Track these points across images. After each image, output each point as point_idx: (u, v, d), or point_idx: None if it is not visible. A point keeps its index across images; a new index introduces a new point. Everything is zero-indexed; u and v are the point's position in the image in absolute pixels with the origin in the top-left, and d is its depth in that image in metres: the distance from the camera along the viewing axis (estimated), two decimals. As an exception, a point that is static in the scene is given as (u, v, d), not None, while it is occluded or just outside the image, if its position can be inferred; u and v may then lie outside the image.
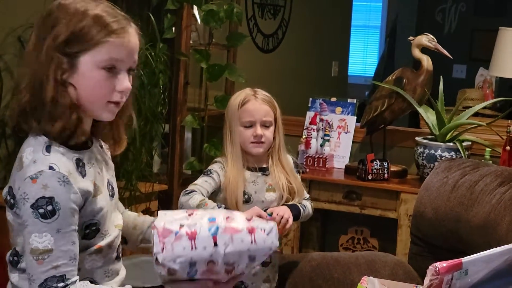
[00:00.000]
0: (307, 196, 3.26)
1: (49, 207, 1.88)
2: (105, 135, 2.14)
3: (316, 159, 4.57)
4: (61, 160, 1.93)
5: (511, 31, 5.24)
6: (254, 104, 3.13)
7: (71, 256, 1.93)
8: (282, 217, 3.01)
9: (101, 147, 2.16)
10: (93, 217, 2.01)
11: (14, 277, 2.08)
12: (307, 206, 3.20)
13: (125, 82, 1.96)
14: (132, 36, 2.00)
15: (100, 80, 1.95)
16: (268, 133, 3.13)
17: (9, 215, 1.99)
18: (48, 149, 1.93)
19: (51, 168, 1.89)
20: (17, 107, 1.97)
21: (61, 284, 1.91)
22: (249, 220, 2.04)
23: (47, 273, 1.90)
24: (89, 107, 1.98)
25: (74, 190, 1.92)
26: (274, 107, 3.16)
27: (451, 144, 4.21)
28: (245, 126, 3.11)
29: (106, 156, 2.16)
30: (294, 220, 3.08)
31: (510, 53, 5.16)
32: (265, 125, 3.12)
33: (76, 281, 1.94)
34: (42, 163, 1.90)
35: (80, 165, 1.98)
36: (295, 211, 3.10)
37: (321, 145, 4.60)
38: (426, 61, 4.36)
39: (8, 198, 1.95)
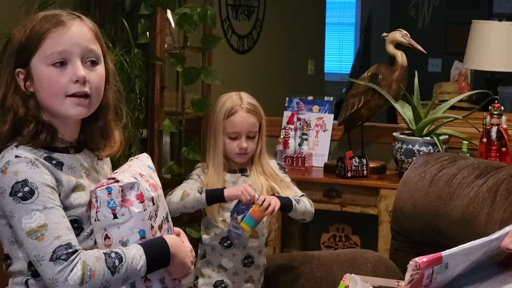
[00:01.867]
0: (301, 193, 3.25)
1: (26, 188, 1.91)
2: (96, 140, 2.13)
3: (295, 159, 4.57)
4: (27, 152, 1.95)
5: (484, 23, 5.28)
6: (241, 116, 3.15)
7: (68, 227, 1.94)
8: (265, 200, 3.00)
9: (98, 158, 2.16)
10: (73, 212, 2.01)
11: (10, 282, 2.09)
12: (304, 201, 3.19)
13: (77, 71, 1.96)
14: (75, 27, 2.01)
15: (52, 77, 1.97)
16: (252, 144, 3.16)
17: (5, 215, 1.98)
18: (16, 146, 1.96)
19: (17, 156, 1.93)
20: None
21: (70, 250, 1.90)
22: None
23: (52, 245, 1.90)
24: (52, 107, 2.00)
25: (45, 172, 1.94)
26: (260, 116, 3.20)
27: (428, 138, 4.22)
28: (230, 137, 3.13)
29: (97, 165, 2.15)
30: (284, 211, 3.14)
31: (483, 46, 5.19)
32: (249, 136, 3.14)
33: (81, 249, 1.94)
34: (9, 155, 1.94)
35: (53, 162, 1.99)
36: (286, 201, 3.10)
37: (299, 145, 4.59)
38: (401, 57, 4.38)
39: None
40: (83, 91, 1.98)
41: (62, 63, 1.97)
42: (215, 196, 3.07)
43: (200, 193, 3.05)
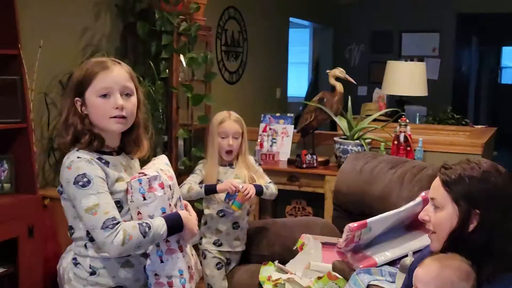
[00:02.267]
0: (269, 181, 3.24)
1: (85, 179, 1.94)
2: (131, 146, 2.14)
3: (267, 155, 4.62)
4: (85, 154, 1.99)
5: (395, 63, 5.33)
6: (229, 123, 3.16)
7: (113, 206, 1.98)
8: (247, 190, 3.02)
9: (132, 159, 2.17)
10: (116, 196, 2.02)
11: (72, 246, 2.12)
12: (271, 187, 3.20)
13: (117, 100, 1.99)
14: (116, 70, 2.03)
15: (100, 105, 2.00)
16: (236, 143, 3.15)
17: (62, 201, 2.05)
18: (77, 150, 2.01)
19: (78, 157, 1.97)
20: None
21: (115, 221, 1.94)
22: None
23: (103, 218, 1.93)
24: (101, 125, 2.03)
25: (98, 168, 1.98)
26: (242, 125, 3.19)
27: (357, 141, 4.23)
28: (221, 136, 3.13)
29: (131, 164, 2.16)
30: (258, 195, 3.12)
31: (394, 78, 5.25)
32: (234, 137, 3.13)
33: (122, 220, 1.98)
34: (72, 156, 1.99)
35: (102, 161, 2.02)
36: (259, 188, 3.11)
37: (271, 146, 4.64)
38: (339, 86, 4.41)
39: (60, 189, 2.04)
40: (121, 115, 2.00)
41: (106, 95, 1.99)
42: (211, 190, 3.10)
43: (201, 188, 3.08)
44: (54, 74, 4.10)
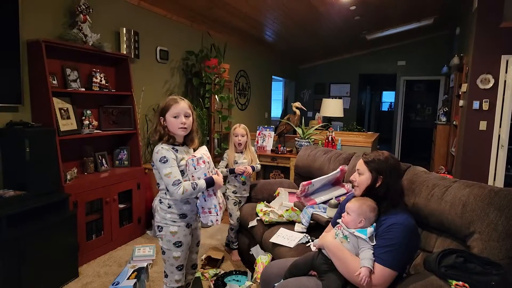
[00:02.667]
0: (258, 162, 3.15)
1: (165, 159, 1.88)
2: (188, 142, 2.06)
3: (260, 147, 4.48)
4: (165, 145, 1.92)
5: (326, 99, 5.30)
6: (239, 130, 3.05)
7: (179, 173, 1.89)
8: (247, 170, 2.95)
9: (189, 148, 2.10)
10: (181, 168, 1.93)
11: (159, 193, 2.04)
12: (257, 167, 3.08)
13: (182, 119, 1.95)
14: (182, 103, 1.97)
15: (173, 121, 1.94)
16: (244, 140, 3.06)
17: (154, 170, 1.96)
18: (161, 144, 1.93)
19: (162, 147, 1.90)
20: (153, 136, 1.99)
21: (179, 182, 1.86)
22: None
23: (173, 179, 1.86)
24: (173, 132, 1.96)
25: (172, 153, 1.90)
26: (246, 130, 3.08)
27: (307, 139, 4.17)
28: (235, 135, 3.05)
29: (189, 151, 2.08)
30: (252, 170, 3.04)
31: (326, 107, 5.20)
32: (242, 136, 3.05)
33: (182, 180, 1.89)
34: (159, 147, 1.91)
35: (174, 149, 1.93)
36: (252, 168, 3.02)
37: (262, 142, 4.51)
38: (298, 112, 4.33)
39: (152, 164, 1.96)
40: (184, 127, 1.96)
41: (176, 117, 1.95)
42: (232, 171, 3.01)
43: (227, 171, 3.00)
44: (149, 105, 4.11)
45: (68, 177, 2.93)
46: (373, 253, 1.60)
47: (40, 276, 2.42)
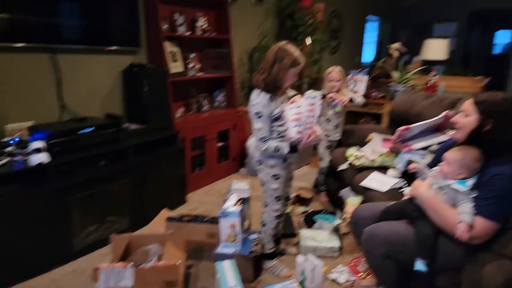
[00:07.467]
0: (359, 95, 2.90)
1: (259, 114, 1.82)
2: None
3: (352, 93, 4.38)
4: (263, 98, 1.83)
5: (430, 40, 4.77)
6: (334, 74, 2.78)
7: (268, 131, 1.85)
8: (343, 99, 2.73)
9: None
10: (273, 116, 1.84)
11: (253, 141, 1.97)
12: (358, 100, 2.83)
13: (297, 77, 1.88)
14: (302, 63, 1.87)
15: (293, 76, 1.87)
16: (339, 84, 2.80)
17: (250, 116, 1.87)
18: (260, 94, 1.85)
19: (260, 101, 1.82)
20: (260, 79, 1.85)
21: (267, 138, 1.85)
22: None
23: (262, 134, 1.84)
24: (283, 83, 1.86)
25: (269, 104, 1.82)
26: (343, 74, 2.82)
27: (404, 85, 3.89)
28: (329, 80, 2.80)
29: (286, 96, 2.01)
30: (350, 101, 2.80)
31: (429, 50, 4.69)
32: (338, 80, 2.78)
33: (270, 137, 1.87)
34: (258, 99, 1.83)
35: (271, 100, 1.83)
36: (350, 100, 2.80)
37: (354, 87, 4.11)
38: (395, 54, 4.06)
39: (249, 111, 1.86)
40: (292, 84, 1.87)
41: (294, 74, 1.87)
42: (324, 96, 2.81)
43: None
44: (245, 49, 4.16)
45: (177, 115, 3.23)
46: (474, 205, 1.50)
47: (157, 199, 2.78)
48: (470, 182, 1.54)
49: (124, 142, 2.53)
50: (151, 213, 2.59)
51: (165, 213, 2.53)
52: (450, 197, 1.56)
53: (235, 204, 2.07)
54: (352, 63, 7.04)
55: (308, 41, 4.52)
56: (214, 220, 2.26)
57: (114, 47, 2.76)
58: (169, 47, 3.19)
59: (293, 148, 1.89)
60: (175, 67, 3.24)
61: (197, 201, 3.17)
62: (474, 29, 8.64)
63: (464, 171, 1.56)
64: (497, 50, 9.47)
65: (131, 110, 2.90)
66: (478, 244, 1.51)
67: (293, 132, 1.86)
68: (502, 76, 7.58)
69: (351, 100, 2.82)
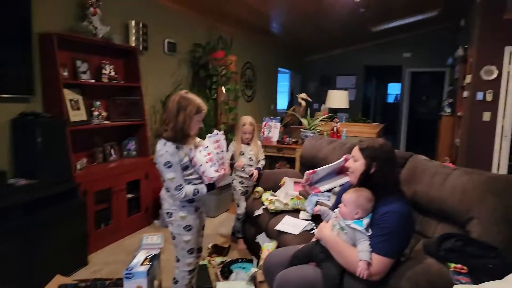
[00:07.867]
0: (263, 157, 3.08)
1: (169, 164, 1.84)
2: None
3: (266, 138, 4.49)
4: (170, 148, 1.85)
5: (333, 91, 5.27)
6: (247, 125, 3.00)
7: (181, 178, 1.88)
8: (254, 176, 2.97)
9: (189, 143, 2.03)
10: (183, 164, 1.89)
11: (163, 192, 2.02)
12: (262, 163, 3.06)
13: (201, 124, 1.95)
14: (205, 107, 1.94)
15: (197, 124, 1.92)
16: (251, 135, 3.01)
17: (156, 165, 1.90)
18: (166, 144, 1.87)
19: (166, 151, 1.84)
20: (168, 129, 1.88)
21: (181, 186, 1.86)
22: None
23: (176, 183, 1.86)
24: (189, 131, 1.91)
25: (176, 153, 1.85)
26: (254, 124, 3.03)
27: (312, 131, 4.15)
28: (243, 132, 3.02)
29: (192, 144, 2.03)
30: (258, 171, 3.03)
31: (332, 99, 5.20)
32: (250, 132, 3.00)
33: (184, 185, 1.89)
34: (163, 149, 1.86)
35: (178, 149, 1.87)
36: (259, 169, 3.02)
37: (268, 133, 4.51)
38: (303, 103, 4.35)
39: (155, 162, 1.91)
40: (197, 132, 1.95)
41: (199, 121, 1.93)
42: (232, 165, 3.01)
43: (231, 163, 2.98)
44: (157, 97, 4.13)
45: (78, 167, 2.98)
46: (370, 243, 1.58)
47: (51, 263, 2.47)
48: (366, 221, 1.62)
49: (7, 200, 2.24)
50: (43, 280, 2.25)
51: (59, 279, 2.23)
52: (350, 237, 1.63)
53: (142, 263, 1.88)
54: (268, 110, 7.36)
55: (224, 90, 4.64)
56: (119, 283, 2.02)
57: (3, 95, 2.51)
58: (70, 95, 3.00)
59: (211, 186, 1.92)
60: (77, 115, 3.04)
61: (100, 262, 2.87)
62: (370, 81, 9.69)
63: (359, 211, 1.64)
64: (390, 99, 10.75)
65: (21, 163, 2.60)
66: (377, 280, 1.56)
67: (212, 172, 1.88)
68: (395, 122, 8.45)
69: (259, 170, 3.02)
